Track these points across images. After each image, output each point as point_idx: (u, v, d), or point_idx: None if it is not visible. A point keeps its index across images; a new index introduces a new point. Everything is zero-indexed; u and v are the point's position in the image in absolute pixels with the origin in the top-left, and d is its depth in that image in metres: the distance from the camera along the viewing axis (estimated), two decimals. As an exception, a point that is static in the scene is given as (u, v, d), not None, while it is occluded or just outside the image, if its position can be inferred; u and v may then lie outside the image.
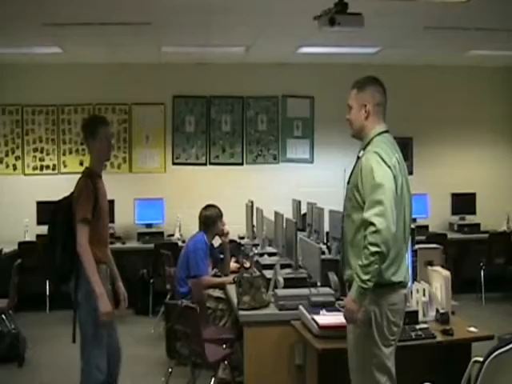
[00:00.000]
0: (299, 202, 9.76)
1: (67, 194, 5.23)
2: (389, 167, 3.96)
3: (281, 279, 5.88)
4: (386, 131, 4.21)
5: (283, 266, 6.31)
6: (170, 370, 5.81)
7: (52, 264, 5.11)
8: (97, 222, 5.06)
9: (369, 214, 3.86)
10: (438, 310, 4.95)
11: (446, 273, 5.09)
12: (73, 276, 5.04)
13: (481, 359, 3.73)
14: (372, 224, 3.82)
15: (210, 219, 7.35)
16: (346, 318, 4.02)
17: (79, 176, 5.18)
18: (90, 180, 5.10)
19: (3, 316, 7.95)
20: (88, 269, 4.89)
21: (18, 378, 7.17)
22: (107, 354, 5.14)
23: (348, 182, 4.22)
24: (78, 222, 4.95)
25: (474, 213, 11.37)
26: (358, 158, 4.18)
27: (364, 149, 4.16)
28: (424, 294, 5.04)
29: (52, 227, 5.22)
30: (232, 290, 6.13)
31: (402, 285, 4.07)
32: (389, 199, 3.87)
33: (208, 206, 7.49)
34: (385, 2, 7.22)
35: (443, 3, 7.34)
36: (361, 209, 3.97)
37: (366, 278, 3.80)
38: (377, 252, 3.78)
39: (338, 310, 4.94)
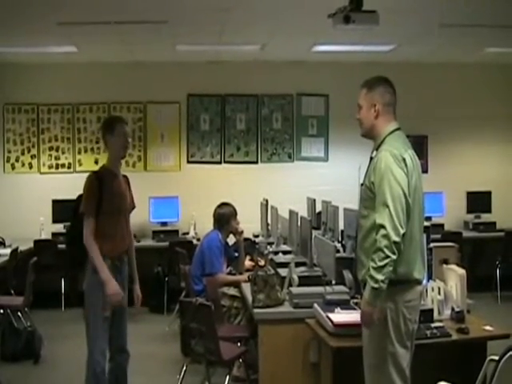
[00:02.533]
0: (314, 200, 9.75)
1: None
2: (401, 167, 3.95)
3: (295, 277, 5.87)
4: (398, 129, 4.20)
5: (298, 264, 6.29)
6: (184, 367, 5.81)
7: (70, 257, 5.47)
8: (101, 217, 5.24)
9: (379, 217, 3.87)
10: (453, 309, 4.93)
11: (462, 271, 5.07)
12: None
13: (496, 358, 3.73)
14: (383, 227, 3.83)
15: (224, 217, 7.36)
16: (362, 322, 4.01)
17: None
18: (98, 176, 5.32)
19: (19, 313, 8.02)
20: (92, 256, 5.16)
21: (34, 375, 7.22)
22: (113, 346, 5.43)
23: (362, 184, 4.22)
24: (83, 216, 5.24)
25: (489, 211, 11.32)
26: (371, 158, 4.17)
27: (377, 149, 4.15)
28: (439, 293, 5.03)
29: (73, 221, 5.51)
30: (247, 288, 6.14)
31: (417, 281, 4.07)
32: (399, 201, 3.87)
33: (222, 204, 7.50)
34: (400, -1, 7.21)
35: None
36: (375, 209, 3.98)
37: (381, 278, 3.80)
38: (388, 256, 3.80)
39: (353, 308, 4.94)
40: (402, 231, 3.84)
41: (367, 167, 4.19)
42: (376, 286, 3.82)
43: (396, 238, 3.81)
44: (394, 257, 3.81)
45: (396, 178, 3.90)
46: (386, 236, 3.81)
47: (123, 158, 5.59)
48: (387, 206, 3.85)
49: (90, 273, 5.24)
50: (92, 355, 5.28)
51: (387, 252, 3.79)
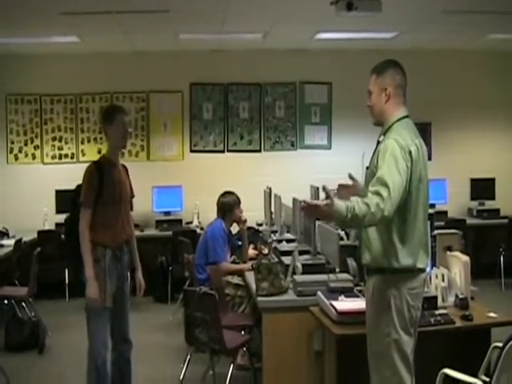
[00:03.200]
0: (317, 188, 9.72)
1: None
2: (406, 160, 3.90)
3: (299, 265, 5.87)
4: (407, 116, 4.16)
5: (301, 253, 6.30)
6: (188, 356, 5.83)
7: (69, 247, 5.37)
8: (101, 207, 5.23)
9: (378, 187, 3.77)
10: (457, 296, 4.93)
11: (466, 258, 5.06)
12: None
13: (500, 345, 3.74)
14: (379, 195, 3.73)
15: (228, 206, 7.35)
16: (314, 209, 3.83)
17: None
18: (98, 167, 5.29)
19: (23, 304, 8.04)
20: (82, 250, 5.14)
21: (39, 364, 7.24)
22: (116, 336, 5.41)
23: (367, 167, 4.20)
24: (81, 207, 5.22)
25: (493, 198, 11.30)
26: (378, 142, 4.15)
27: (384, 134, 4.12)
28: (443, 280, 5.02)
29: (72, 212, 5.44)
30: (250, 277, 6.14)
31: (421, 270, 4.06)
32: (398, 189, 3.81)
33: (225, 193, 7.49)
34: (402, -14, 7.18)
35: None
36: None
37: (349, 223, 3.88)
38: (369, 220, 3.72)
39: (357, 296, 4.94)
40: (392, 213, 3.78)
41: (373, 151, 4.15)
42: (340, 222, 3.92)
43: (387, 214, 3.73)
44: (373, 223, 3.81)
45: (399, 170, 3.84)
46: (381, 209, 3.70)
47: (123, 149, 5.58)
48: (387, 186, 3.75)
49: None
50: (93, 346, 5.27)
51: (370, 218, 3.70)
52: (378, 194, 3.74)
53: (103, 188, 5.24)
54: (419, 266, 4.03)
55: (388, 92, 4.13)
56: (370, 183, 4.01)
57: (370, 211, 3.69)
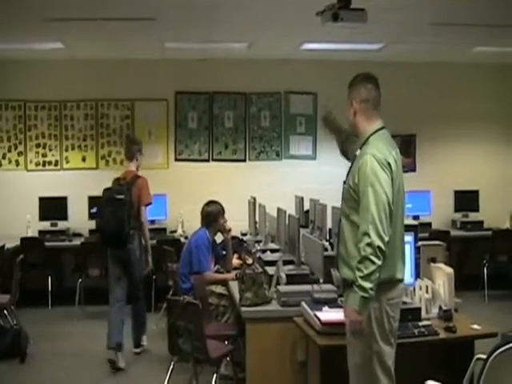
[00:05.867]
0: (302, 198, 9.74)
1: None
2: (386, 173, 3.93)
3: (283, 275, 5.86)
4: (382, 128, 4.18)
5: (286, 263, 6.30)
6: (172, 366, 5.79)
7: (120, 229, 7.33)
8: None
9: (363, 224, 3.88)
10: (440, 307, 4.93)
11: (449, 270, 5.07)
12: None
13: (484, 356, 3.73)
14: (366, 234, 3.83)
15: (212, 215, 7.34)
16: (351, 330, 3.99)
17: (135, 175, 7.99)
18: None
19: (5, 312, 7.98)
20: (148, 236, 7.93)
21: (20, 373, 7.16)
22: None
23: (344, 182, 4.20)
24: (144, 205, 7.88)
25: (477, 210, 11.33)
26: (355, 156, 4.16)
27: (361, 148, 4.13)
28: (427, 291, 5.03)
29: (123, 200, 7.44)
30: (234, 287, 6.12)
31: (400, 280, 4.09)
32: (383, 208, 3.86)
33: (210, 202, 7.48)
34: (389, -3, 7.19)
35: (448, -1, 7.31)
36: (357, 209, 3.97)
37: (369, 286, 3.82)
38: (374, 262, 3.80)
39: (341, 307, 4.93)
40: (386, 238, 3.83)
41: (350, 166, 4.18)
42: (366, 295, 3.82)
43: (379, 243, 3.80)
44: (380, 262, 3.81)
45: (381, 185, 3.88)
46: (370, 244, 3.81)
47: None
48: (371, 214, 3.84)
49: (139, 246, 7.76)
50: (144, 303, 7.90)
51: (373, 258, 3.79)
52: (364, 233, 3.87)
53: None
54: (398, 276, 4.06)
55: (354, 106, 4.17)
56: (347, 200, 4.05)
57: (365, 259, 3.83)
